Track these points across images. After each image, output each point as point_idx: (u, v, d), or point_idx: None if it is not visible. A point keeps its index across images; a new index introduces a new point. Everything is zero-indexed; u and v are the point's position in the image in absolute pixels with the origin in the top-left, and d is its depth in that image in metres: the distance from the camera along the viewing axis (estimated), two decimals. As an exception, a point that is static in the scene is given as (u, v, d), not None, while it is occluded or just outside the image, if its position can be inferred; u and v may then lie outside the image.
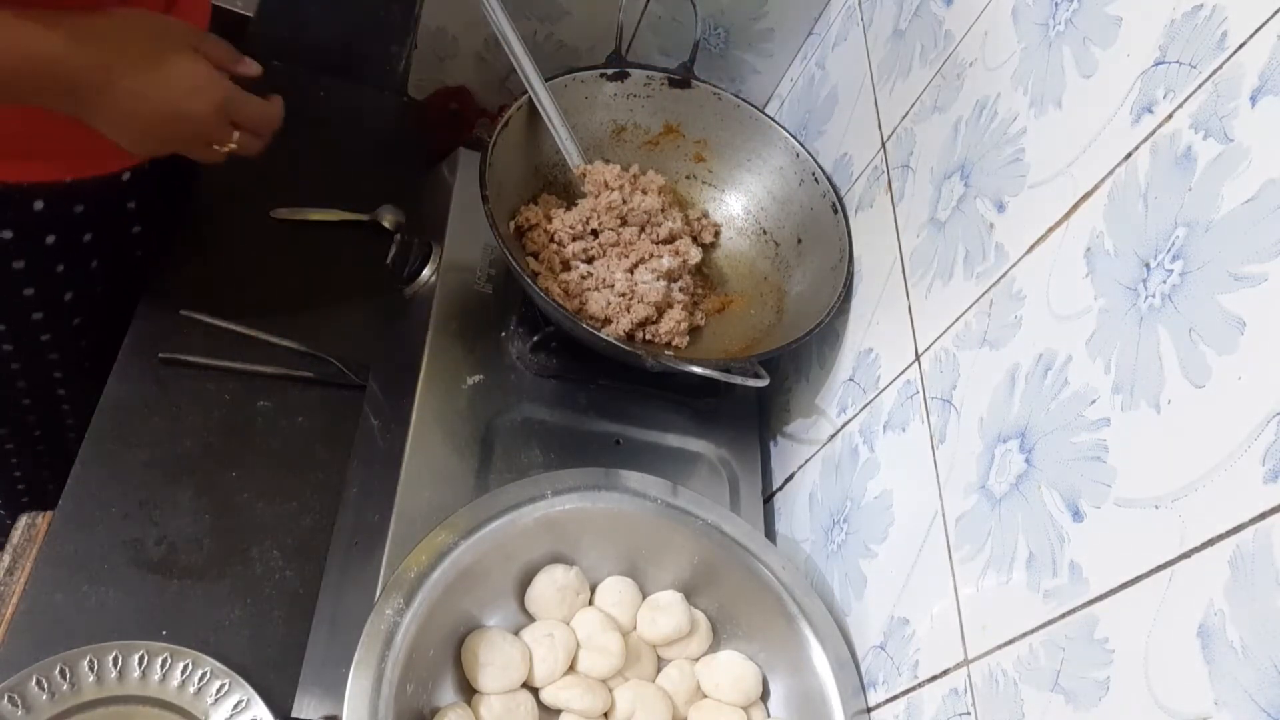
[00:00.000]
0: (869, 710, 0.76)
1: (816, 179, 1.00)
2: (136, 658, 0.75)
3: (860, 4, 1.09)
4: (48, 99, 0.68)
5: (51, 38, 0.65)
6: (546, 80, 0.98)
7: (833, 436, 0.92)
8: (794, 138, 1.03)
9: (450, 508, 0.76)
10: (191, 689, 0.75)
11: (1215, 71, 0.56)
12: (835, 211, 0.97)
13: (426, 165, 1.12)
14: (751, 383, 0.84)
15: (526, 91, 0.97)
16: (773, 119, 1.04)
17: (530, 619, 0.80)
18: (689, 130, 1.08)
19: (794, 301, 1.01)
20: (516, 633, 0.78)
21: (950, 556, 0.70)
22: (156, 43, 0.71)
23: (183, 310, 0.94)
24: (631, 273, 0.96)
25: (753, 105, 1.05)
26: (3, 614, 0.78)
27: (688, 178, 1.09)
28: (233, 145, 0.77)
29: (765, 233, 1.06)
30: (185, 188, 1.02)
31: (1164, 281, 0.56)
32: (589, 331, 0.85)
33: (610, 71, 1.03)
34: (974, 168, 0.79)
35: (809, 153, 1.01)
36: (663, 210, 1.02)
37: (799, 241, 1.02)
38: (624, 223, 1.00)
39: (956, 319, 0.77)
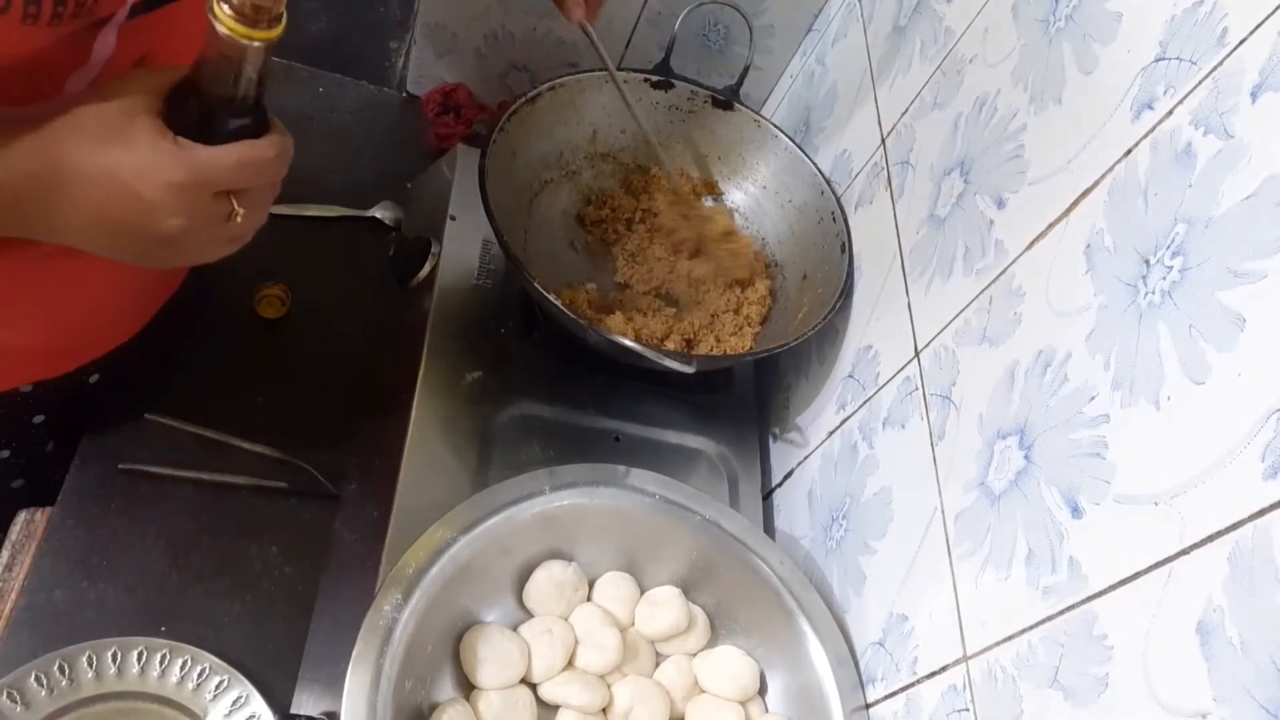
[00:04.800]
0: (867, 706, 0.76)
1: (834, 218, 0.99)
2: (135, 654, 0.75)
3: (860, 0, 1.09)
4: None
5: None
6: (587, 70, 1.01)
7: (832, 433, 0.92)
8: (822, 174, 1.02)
9: (449, 503, 0.76)
10: (190, 685, 0.75)
11: (1216, 68, 0.56)
12: (843, 251, 0.96)
13: (425, 161, 1.12)
14: (679, 367, 0.84)
15: (527, 89, 0.97)
16: (804, 152, 1.04)
17: (528, 615, 0.80)
18: (723, 152, 1.08)
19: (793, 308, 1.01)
20: (515, 629, 0.78)
21: (949, 553, 0.70)
22: (90, 136, 0.55)
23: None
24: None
25: (789, 138, 1.05)
26: (2, 610, 0.77)
27: (713, 199, 1.10)
28: (239, 214, 0.58)
29: (778, 265, 1.06)
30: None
31: (1164, 278, 0.56)
32: (574, 319, 0.85)
33: (655, 79, 1.04)
34: (974, 164, 0.79)
35: (834, 192, 1.01)
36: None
37: (804, 278, 1.02)
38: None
39: (956, 315, 0.77)
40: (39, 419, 0.84)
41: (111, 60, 0.60)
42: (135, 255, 0.58)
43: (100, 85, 0.57)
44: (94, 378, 0.86)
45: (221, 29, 0.52)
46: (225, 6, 0.51)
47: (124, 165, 0.54)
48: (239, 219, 0.58)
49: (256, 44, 0.54)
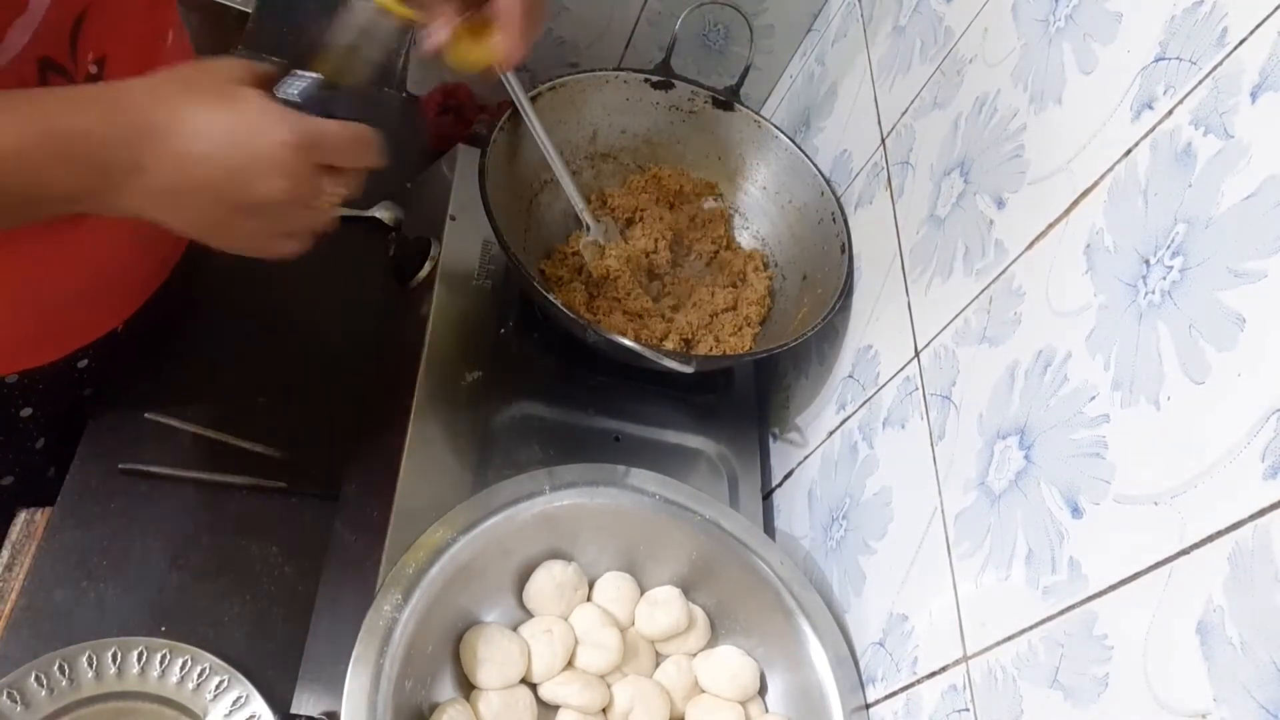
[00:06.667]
0: (867, 706, 0.76)
1: (834, 219, 0.99)
2: (135, 654, 0.75)
3: (860, 0, 1.09)
4: (80, 185, 0.54)
5: (75, 110, 0.54)
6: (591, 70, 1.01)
7: (832, 433, 0.92)
8: (822, 174, 1.02)
9: (449, 504, 0.76)
10: (190, 685, 0.75)
11: (1215, 68, 0.56)
12: (843, 251, 0.96)
13: (425, 161, 1.12)
14: (678, 367, 0.84)
15: (527, 89, 0.97)
16: (804, 152, 1.04)
17: (528, 615, 0.80)
18: (723, 152, 1.08)
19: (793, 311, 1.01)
20: (515, 629, 0.78)
21: (949, 553, 0.70)
22: (195, 93, 0.56)
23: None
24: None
25: (789, 138, 1.05)
26: (2, 610, 0.77)
27: (712, 199, 1.10)
28: (333, 196, 0.60)
29: (778, 265, 1.06)
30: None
31: (1164, 278, 0.56)
32: (575, 319, 0.85)
33: (655, 79, 1.04)
34: (974, 164, 0.79)
35: (833, 192, 1.01)
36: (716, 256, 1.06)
37: (804, 278, 1.02)
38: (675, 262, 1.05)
39: (956, 315, 0.77)
40: (27, 412, 0.84)
41: (50, 11, 0.59)
42: (213, 222, 0.58)
43: (179, 67, 0.58)
44: (83, 363, 0.85)
45: (372, 5, 0.59)
46: None
47: (236, 122, 0.55)
48: (326, 199, 0.59)
49: (393, 19, 0.61)
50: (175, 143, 0.54)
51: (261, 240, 0.60)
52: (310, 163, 0.57)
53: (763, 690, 0.81)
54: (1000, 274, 0.72)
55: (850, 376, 0.91)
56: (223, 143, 0.55)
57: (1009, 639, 0.62)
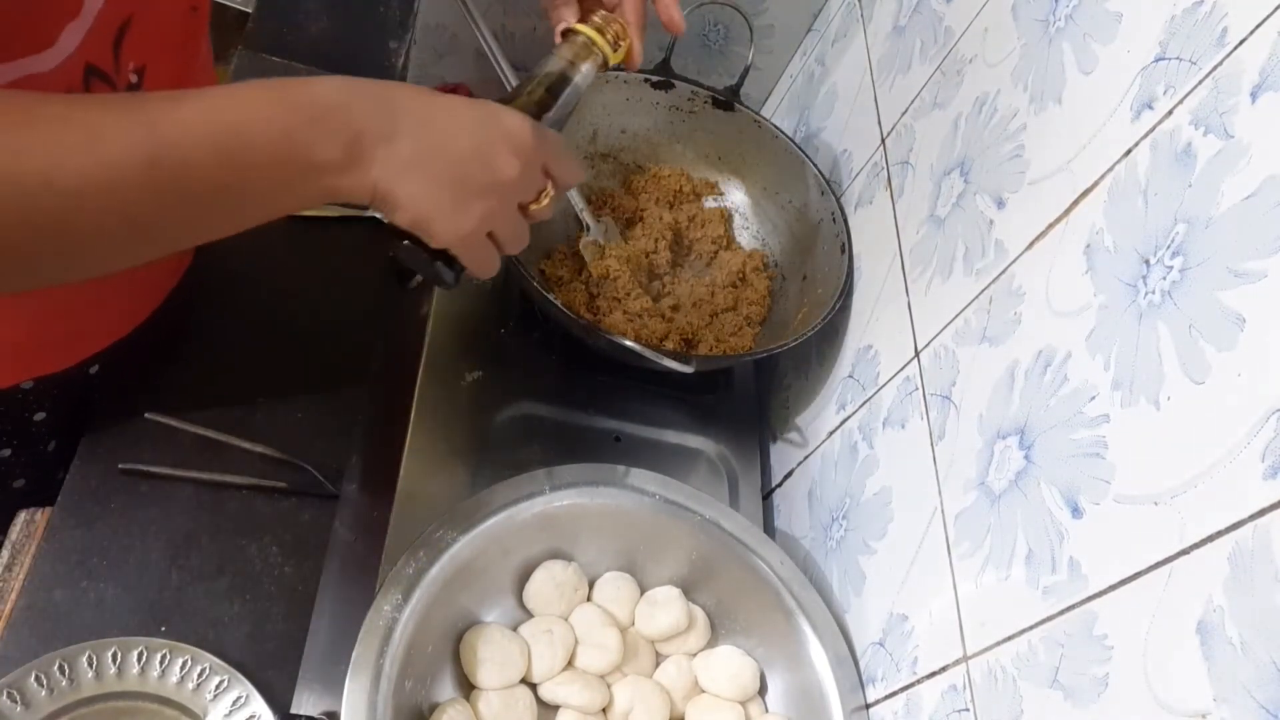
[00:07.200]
0: (867, 706, 0.76)
1: (834, 219, 0.99)
2: (135, 654, 0.75)
3: (860, 0, 1.09)
4: (331, 152, 0.56)
5: (319, 85, 0.56)
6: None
7: (832, 433, 0.92)
8: (822, 174, 1.02)
9: (449, 504, 0.76)
10: (190, 685, 0.75)
11: (1216, 68, 0.56)
12: (843, 251, 0.96)
13: (425, 161, 1.12)
14: (678, 367, 0.85)
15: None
16: (804, 152, 1.04)
17: (528, 615, 0.80)
18: (723, 152, 1.08)
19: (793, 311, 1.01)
20: (515, 629, 0.78)
21: (949, 553, 0.70)
22: (431, 91, 0.61)
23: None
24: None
25: (788, 138, 1.05)
26: (2, 610, 0.77)
27: (712, 199, 1.10)
28: (546, 201, 0.64)
29: (778, 265, 1.06)
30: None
31: (1164, 278, 0.56)
32: (575, 320, 0.85)
33: (655, 79, 1.04)
34: (974, 164, 0.79)
35: (833, 192, 1.01)
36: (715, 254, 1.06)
37: (804, 278, 1.02)
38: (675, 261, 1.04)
39: (956, 315, 0.77)
40: (40, 416, 0.84)
41: (101, 14, 0.60)
42: (443, 202, 0.60)
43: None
44: (94, 369, 0.86)
45: (582, 38, 0.69)
46: (590, 27, 0.69)
47: (477, 107, 0.61)
48: (543, 202, 0.64)
49: (598, 58, 0.70)
50: (423, 113, 0.59)
51: (477, 234, 0.62)
52: (538, 158, 0.62)
53: (763, 690, 0.81)
54: (1000, 274, 0.73)
55: (850, 376, 0.91)
56: (468, 119, 0.60)
57: (1009, 639, 0.62)
